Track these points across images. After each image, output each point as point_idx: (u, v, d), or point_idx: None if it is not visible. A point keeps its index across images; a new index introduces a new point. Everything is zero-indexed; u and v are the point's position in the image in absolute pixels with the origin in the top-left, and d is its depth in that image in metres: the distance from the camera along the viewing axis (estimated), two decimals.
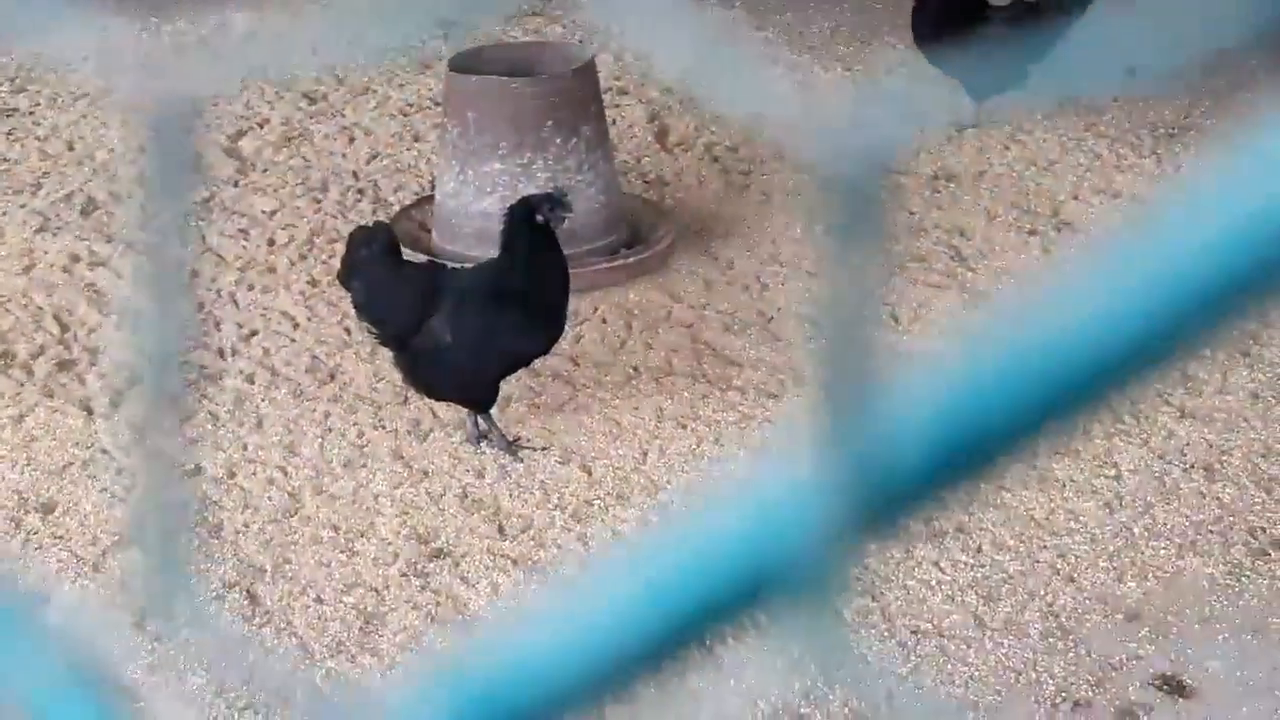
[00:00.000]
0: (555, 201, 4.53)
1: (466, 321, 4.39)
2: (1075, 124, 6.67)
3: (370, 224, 4.92)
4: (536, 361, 4.99)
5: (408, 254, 4.90)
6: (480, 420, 4.58)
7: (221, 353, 5.12)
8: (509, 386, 4.84)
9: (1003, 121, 6.90)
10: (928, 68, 7.15)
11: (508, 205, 4.68)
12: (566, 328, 5.20)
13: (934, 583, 3.96)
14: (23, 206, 6.19)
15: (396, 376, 4.65)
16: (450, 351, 4.40)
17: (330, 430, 4.66)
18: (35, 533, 4.21)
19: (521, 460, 4.49)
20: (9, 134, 6.93)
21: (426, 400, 4.68)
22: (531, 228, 4.48)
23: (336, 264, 5.68)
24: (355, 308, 4.68)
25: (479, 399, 4.54)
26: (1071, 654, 3.75)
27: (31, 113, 7.22)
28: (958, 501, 0.62)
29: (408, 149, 6.67)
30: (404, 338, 4.47)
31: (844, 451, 0.59)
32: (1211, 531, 4.16)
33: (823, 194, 0.61)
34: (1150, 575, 4.00)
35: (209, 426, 4.69)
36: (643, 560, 0.63)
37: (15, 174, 6.50)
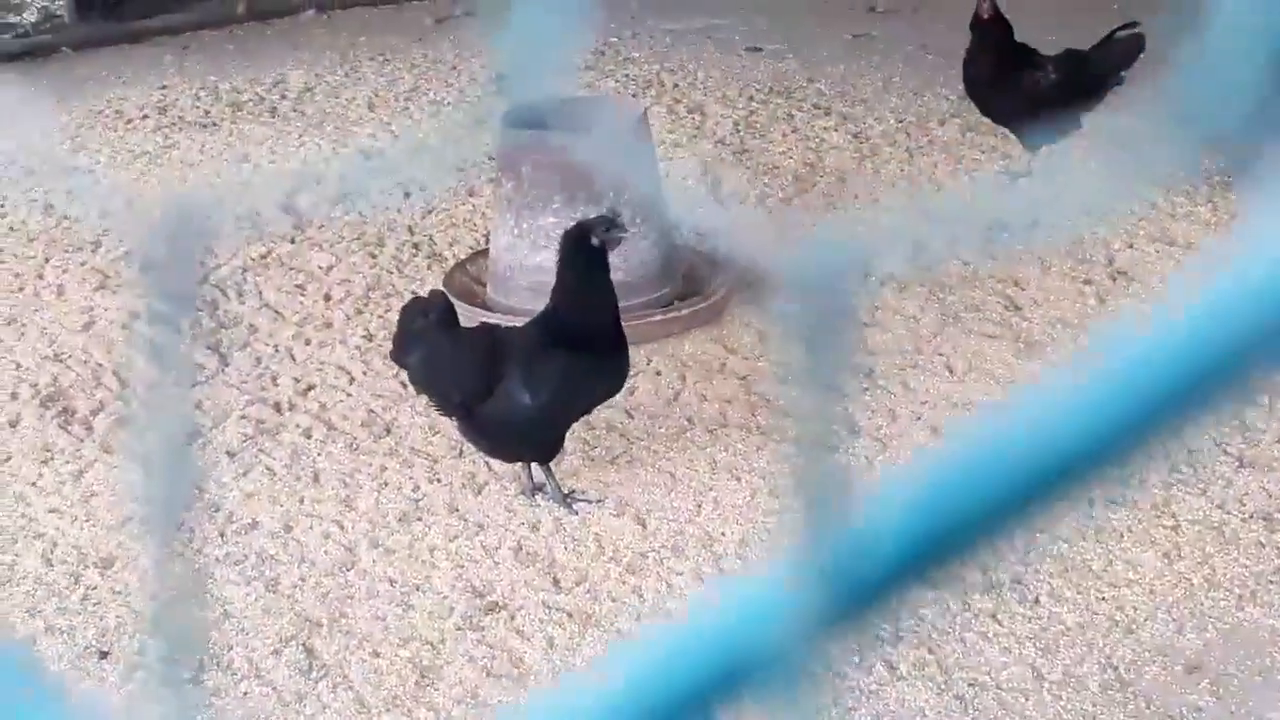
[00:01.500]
0: (609, 224, 4.51)
1: (543, 379, 4.38)
2: (1129, 172, 6.63)
3: (424, 294, 4.84)
4: (593, 414, 5.01)
5: (462, 309, 4.93)
6: (535, 473, 4.59)
7: (278, 407, 5.15)
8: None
9: (1056, 170, 6.89)
10: (979, 118, 7.16)
11: (563, 231, 4.67)
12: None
13: (991, 635, 3.93)
14: (83, 264, 6.26)
15: (452, 430, 4.66)
16: (530, 411, 4.39)
17: (386, 484, 4.68)
18: (94, 588, 4.24)
19: (576, 513, 4.49)
20: (69, 192, 7.02)
21: (483, 455, 4.69)
22: (587, 252, 4.46)
23: (393, 318, 5.72)
24: (413, 382, 4.60)
25: (551, 452, 4.55)
26: (1131, 706, 3.71)
27: (91, 171, 7.32)
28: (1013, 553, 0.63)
29: (462, 204, 6.72)
30: (470, 405, 4.44)
31: (818, 556, 0.60)
32: (1271, 582, 4.13)
33: (792, 307, 0.62)
34: (1210, 626, 3.97)
35: (265, 480, 4.72)
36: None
37: (75, 232, 6.58)
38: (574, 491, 4.59)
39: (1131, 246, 6.07)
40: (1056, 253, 6.04)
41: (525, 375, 4.37)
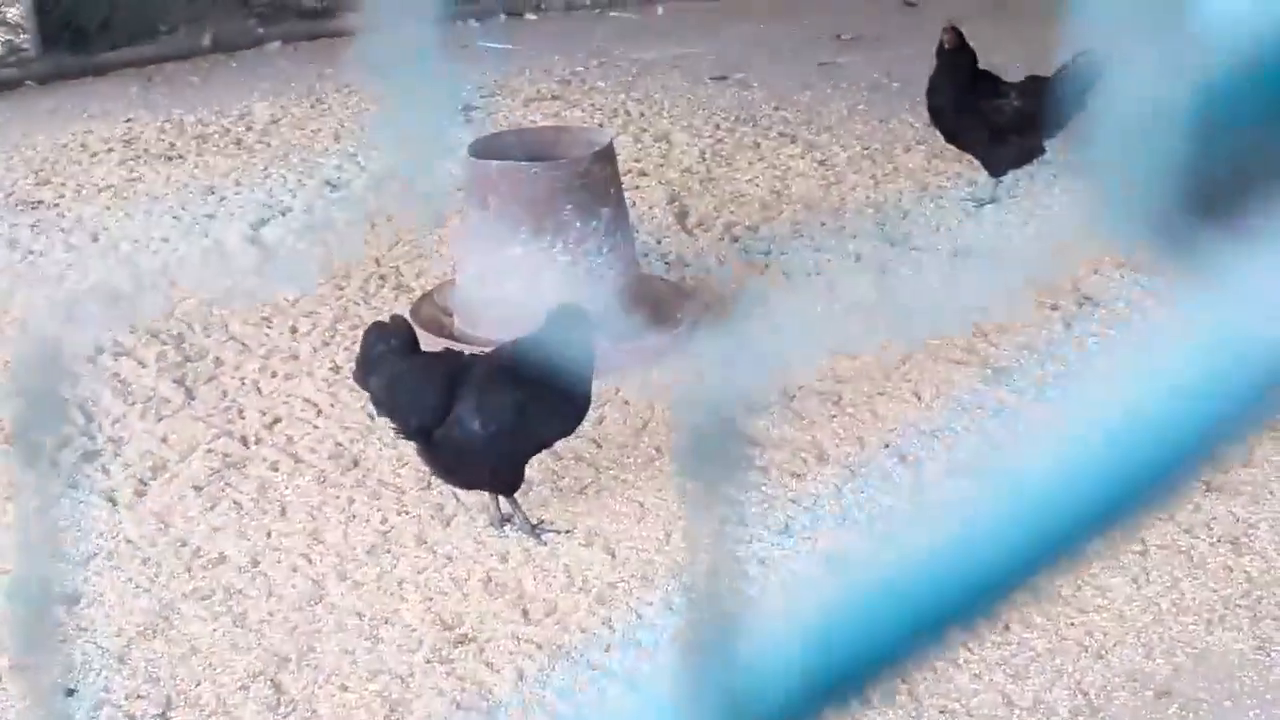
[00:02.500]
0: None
1: (495, 409, 4.39)
2: (1093, 198, 6.66)
3: (385, 319, 4.84)
4: (559, 444, 4.99)
5: (428, 340, 4.92)
6: (504, 503, 4.58)
7: (245, 441, 5.13)
8: (531, 470, 4.85)
9: (1021, 196, 6.92)
10: (944, 145, 7.19)
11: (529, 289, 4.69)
12: (589, 410, 5.21)
13: (961, 661, 3.93)
14: (47, 297, 6.23)
15: (419, 462, 4.65)
16: (481, 439, 4.38)
17: (354, 517, 4.66)
18: (60, 625, 4.21)
19: (545, 543, 4.48)
20: (34, 226, 6.99)
21: (450, 486, 4.68)
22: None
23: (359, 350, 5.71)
24: (375, 405, 4.59)
25: (509, 483, 4.54)
26: None
27: (56, 204, 7.29)
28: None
29: (429, 234, 6.71)
30: (429, 430, 4.45)
31: (710, 688, 0.59)
32: (1239, 606, 4.14)
33: (682, 444, 0.62)
34: (1179, 651, 3.97)
35: (232, 514, 4.70)
36: None
37: (40, 266, 6.55)
38: (542, 522, 4.58)
39: (1097, 272, 6.10)
40: (1022, 278, 6.05)
41: (479, 403, 4.36)
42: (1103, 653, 3.96)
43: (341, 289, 6.25)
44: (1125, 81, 0.68)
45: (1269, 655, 3.94)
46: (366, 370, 4.55)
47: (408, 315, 5.84)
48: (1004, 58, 7.18)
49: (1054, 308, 5.87)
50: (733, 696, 0.60)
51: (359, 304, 6.12)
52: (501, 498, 4.57)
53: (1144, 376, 0.63)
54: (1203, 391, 0.61)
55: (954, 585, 0.61)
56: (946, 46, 6.85)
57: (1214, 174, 0.70)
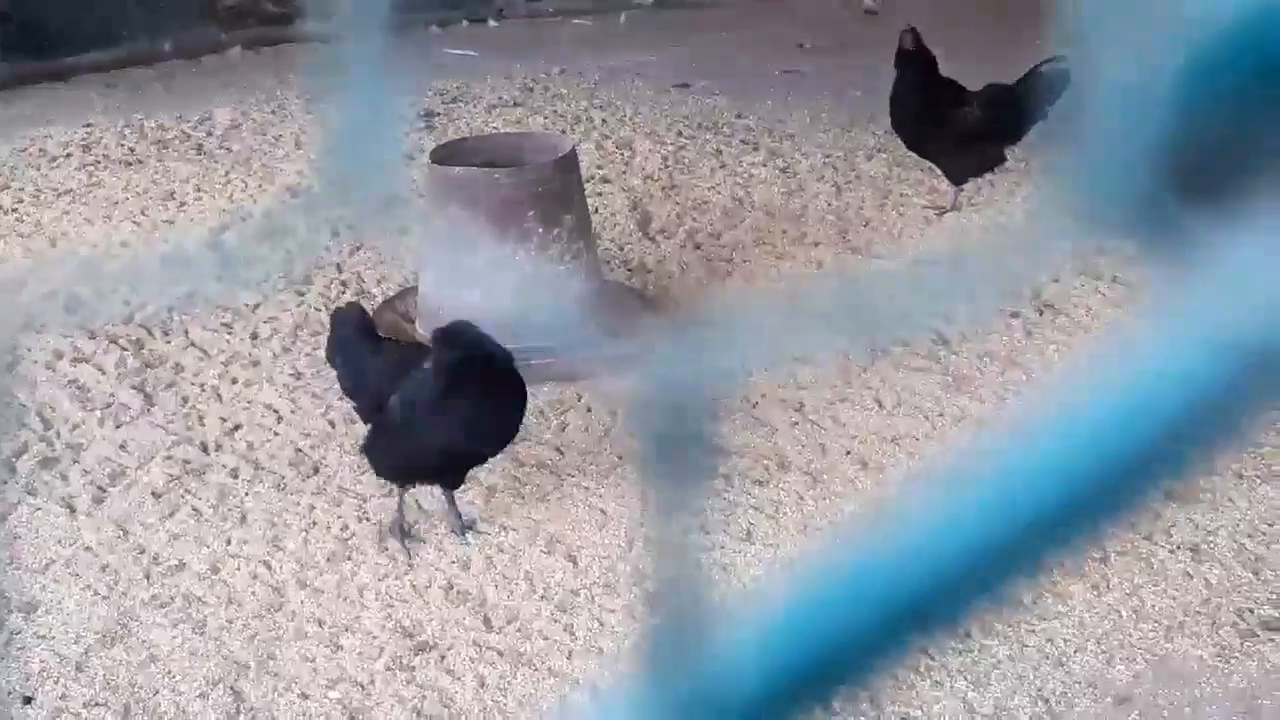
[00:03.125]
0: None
1: (415, 408, 4.36)
2: (1055, 207, 6.70)
3: (345, 304, 4.95)
4: (521, 450, 4.98)
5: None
6: (464, 511, 4.59)
7: (205, 447, 5.11)
8: (493, 476, 4.84)
9: (982, 205, 6.95)
10: (905, 153, 7.21)
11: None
12: (551, 417, 5.20)
13: (922, 668, 3.93)
14: (6, 302, 6.19)
15: None
16: (396, 435, 4.40)
17: (315, 524, 4.64)
18: (18, 633, 4.17)
19: (469, 543, 4.48)
20: None
21: (411, 492, 4.67)
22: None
23: (321, 355, 5.70)
24: (340, 386, 4.76)
25: (449, 481, 4.55)
26: None
27: (15, 209, 7.24)
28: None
29: (390, 241, 6.69)
30: (372, 415, 4.50)
31: (673, 694, 0.59)
32: (1199, 613, 4.15)
33: (644, 451, 0.62)
34: (1139, 658, 3.99)
35: (192, 521, 4.67)
36: None
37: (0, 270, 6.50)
38: (474, 523, 4.59)
39: (1057, 280, 6.12)
40: (984, 286, 6.07)
41: (403, 398, 4.36)
42: (1063, 660, 3.97)
43: (302, 295, 6.23)
44: (1104, 64, 0.67)
45: (1228, 662, 3.96)
46: (333, 350, 4.75)
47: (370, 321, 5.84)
48: (964, 66, 7.20)
49: (1015, 315, 5.89)
50: (694, 704, 0.60)
51: (320, 310, 6.09)
52: (458, 503, 4.58)
53: (1106, 382, 0.62)
54: (1186, 378, 0.61)
55: (915, 592, 0.61)
56: (906, 47, 6.87)
57: (1197, 155, 0.70)
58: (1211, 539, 4.46)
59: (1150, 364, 0.61)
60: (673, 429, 0.60)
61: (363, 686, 3.94)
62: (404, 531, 4.55)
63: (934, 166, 7.09)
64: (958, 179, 6.98)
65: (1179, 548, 4.41)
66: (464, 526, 4.57)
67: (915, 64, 6.89)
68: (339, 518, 4.66)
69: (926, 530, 0.61)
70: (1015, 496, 0.61)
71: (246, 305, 6.12)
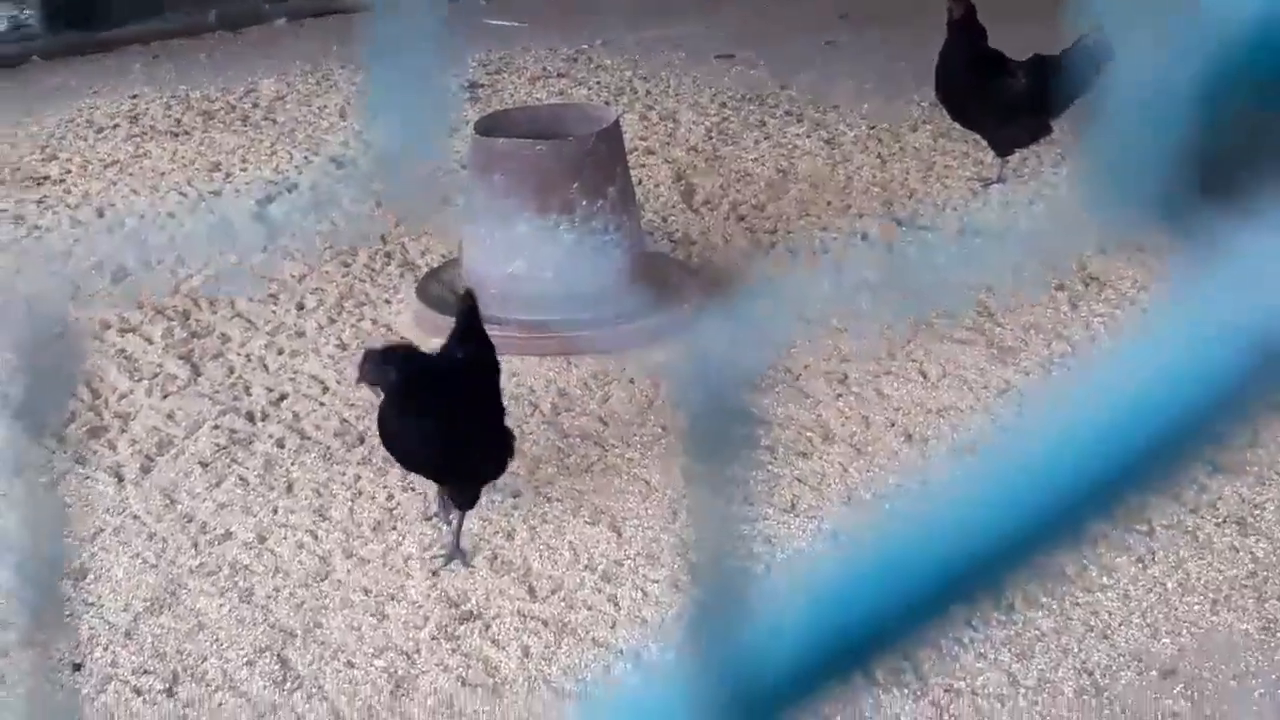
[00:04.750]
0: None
1: (388, 407, 4.28)
2: (1096, 178, 6.66)
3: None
4: (565, 421, 5.00)
5: (434, 317, 4.91)
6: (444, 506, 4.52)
7: (251, 417, 5.14)
8: (536, 447, 4.85)
9: (1028, 176, 6.91)
10: (951, 125, 7.18)
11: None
12: (595, 389, 5.20)
13: (966, 641, 3.93)
14: (53, 274, 6.23)
15: None
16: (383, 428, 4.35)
17: (360, 493, 4.67)
18: (67, 600, 4.21)
19: (453, 570, 4.30)
20: (40, 202, 6.99)
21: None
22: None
23: (366, 327, 5.72)
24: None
25: (438, 479, 4.46)
26: (1106, 712, 3.72)
27: (62, 180, 7.29)
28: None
29: (435, 212, 6.70)
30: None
31: (716, 664, 0.59)
32: (1245, 586, 4.14)
33: (687, 416, 0.62)
34: (1184, 631, 3.98)
35: (239, 491, 4.70)
36: None
37: (46, 242, 6.55)
38: (464, 554, 4.35)
39: (1103, 252, 6.09)
40: (1029, 258, 6.05)
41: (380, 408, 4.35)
42: (1108, 633, 3.97)
43: (347, 266, 6.25)
44: (1129, 60, 0.67)
45: (1274, 636, 3.95)
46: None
47: (414, 293, 5.86)
48: (1010, 38, 7.16)
49: (1060, 288, 5.87)
50: (738, 674, 0.60)
51: (365, 281, 6.12)
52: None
53: (1148, 354, 0.63)
54: (1206, 369, 0.61)
55: (958, 562, 0.61)
56: (955, 16, 6.83)
57: (1219, 152, 0.70)
58: (1258, 512, 4.44)
59: (1173, 353, 0.61)
60: (715, 401, 0.61)
61: (408, 655, 3.96)
62: (444, 508, 4.50)
63: (979, 138, 7.06)
64: (1003, 150, 6.95)
65: (1225, 521, 4.40)
66: (454, 556, 4.34)
67: (963, 34, 6.86)
68: (384, 488, 4.68)
69: (970, 499, 0.61)
70: (1058, 466, 0.61)
71: (292, 276, 6.14)
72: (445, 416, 4.21)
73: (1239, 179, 0.68)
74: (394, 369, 4.19)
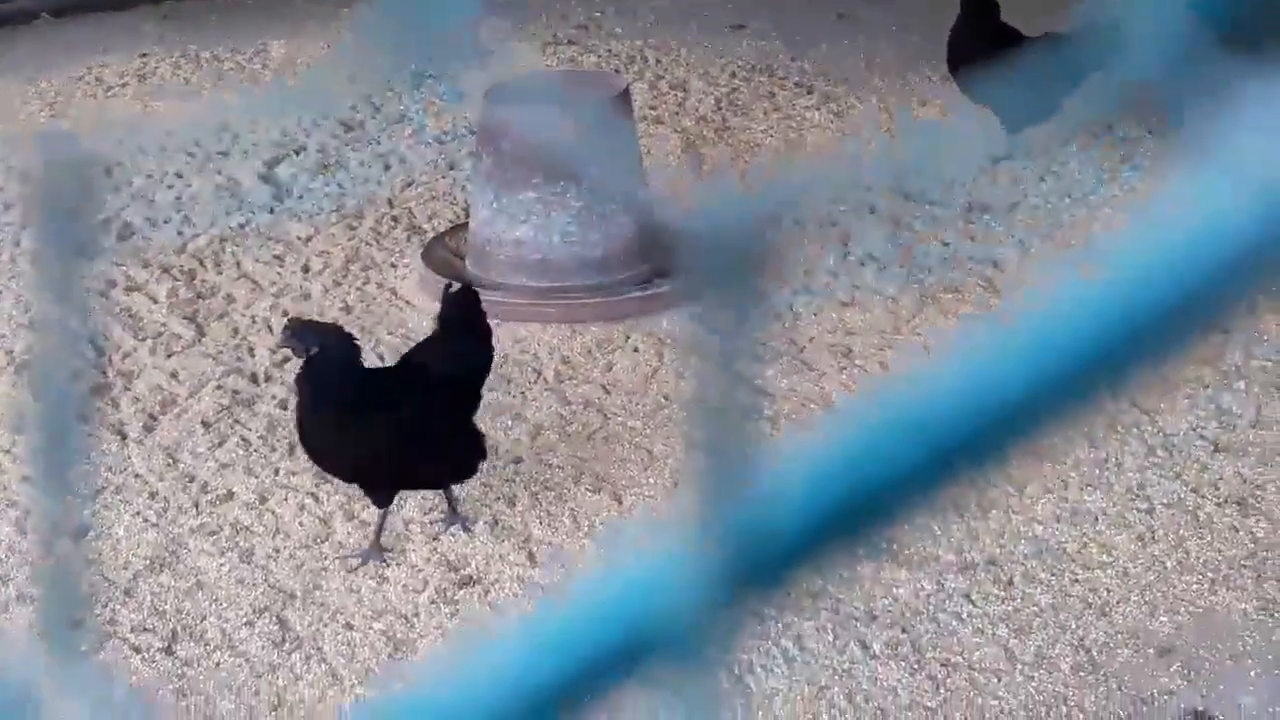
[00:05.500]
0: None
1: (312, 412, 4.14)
2: (1110, 155, 6.66)
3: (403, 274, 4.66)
4: (568, 389, 5.00)
5: (440, 283, 4.90)
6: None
7: (255, 378, 5.14)
8: (540, 414, 4.85)
9: (1037, 152, 6.89)
10: (962, 98, 7.15)
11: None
12: (599, 356, 5.20)
13: (965, 615, 3.94)
14: (59, 231, 6.22)
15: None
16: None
17: None
18: (67, 557, 4.21)
19: (454, 535, 4.28)
20: (47, 159, 6.97)
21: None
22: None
23: (371, 290, 5.71)
24: None
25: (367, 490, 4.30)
26: (1103, 688, 3.73)
27: (70, 137, 7.27)
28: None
29: (442, 177, 6.69)
30: None
31: (721, 518, 0.59)
32: (1245, 566, 4.14)
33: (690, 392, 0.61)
34: (1182, 610, 3.98)
35: (241, 452, 4.70)
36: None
37: (52, 199, 6.54)
38: (383, 551, 4.22)
39: (1112, 229, 6.07)
40: (1036, 235, 6.04)
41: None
42: (1106, 610, 3.97)
43: (354, 229, 6.24)
44: None
45: (1272, 616, 3.95)
46: None
47: (420, 257, 5.85)
48: (1022, 13, 7.14)
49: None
50: (742, 534, 0.60)
51: (371, 245, 6.11)
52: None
53: (1161, 220, 0.62)
54: (1219, 232, 0.60)
55: (952, 432, 0.61)
56: None
57: (1244, 6, 0.69)
58: (1259, 493, 4.44)
59: (1189, 213, 0.60)
60: (719, 370, 0.60)
61: (407, 618, 3.97)
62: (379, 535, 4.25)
63: (991, 112, 7.03)
64: (1014, 126, 6.92)
65: (1226, 501, 4.40)
66: (369, 557, 4.21)
67: (976, 8, 6.83)
68: None
69: (966, 375, 0.60)
70: (1066, 335, 0.60)
71: (299, 238, 6.14)
72: (372, 428, 4.06)
73: (1263, 31, 0.67)
74: (318, 356, 4.02)
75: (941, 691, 3.72)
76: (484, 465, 4.33)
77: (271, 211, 6.36)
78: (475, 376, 4.34)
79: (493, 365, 4.47)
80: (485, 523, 4.35)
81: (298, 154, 6.88)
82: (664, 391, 5.02)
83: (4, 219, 6.37)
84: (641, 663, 0.60)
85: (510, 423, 4.75)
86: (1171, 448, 4.58)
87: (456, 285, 4.54)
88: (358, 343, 4.19)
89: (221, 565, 4.18)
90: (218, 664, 3.85)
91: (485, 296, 4.65)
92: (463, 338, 4.34)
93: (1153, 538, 4.24)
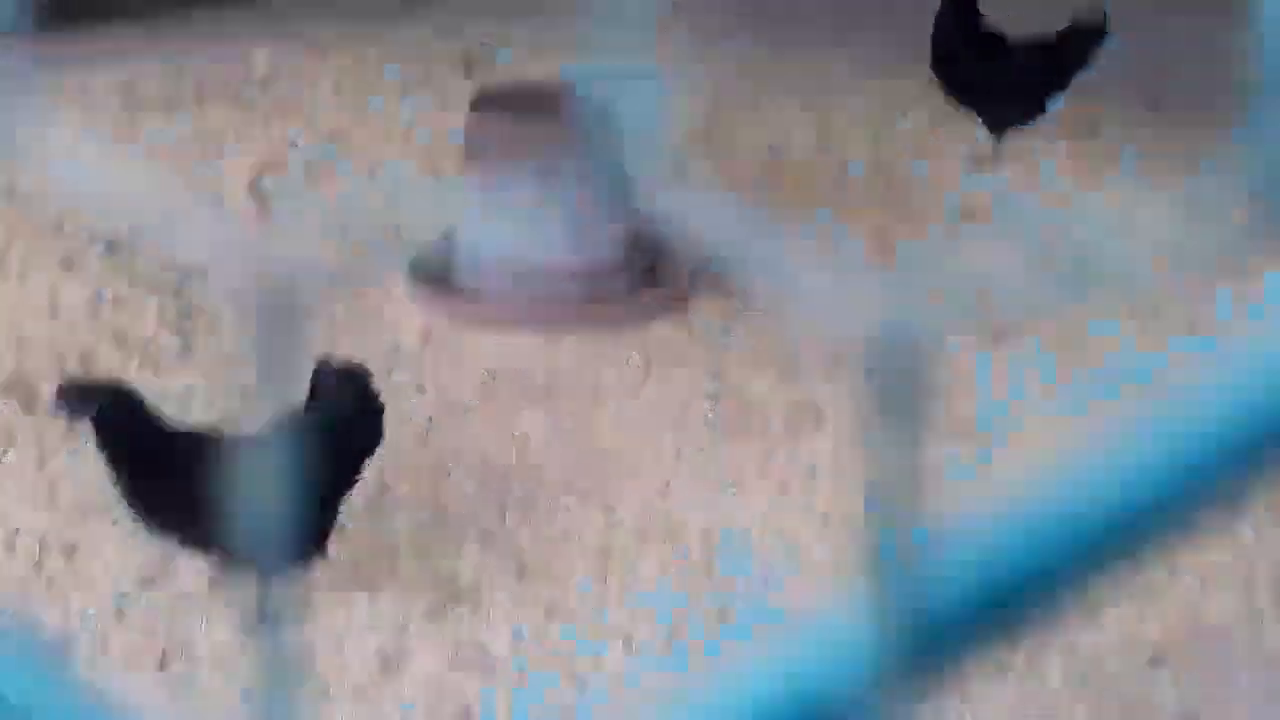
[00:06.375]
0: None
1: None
2: (1096, 159, 6.67)
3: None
4: (557, 399, 4.99)
5: (430, 293, 4.90)
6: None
7: (243, 394, 5.13)
8: (528, 425, 4.85)
9: (1021, 156, 6.90)
10: (946, 102, 7.16)
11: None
12: (588, 363, 5.20)
13: None
14: (45, 247, 6.22)
15: (418, 419, 4.65)
16: None
17: None
18: (58, 576, 4.22)
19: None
20: (32, 174, 6.96)
21: (447, 441, 4.69)
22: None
23: (360, 303, 5.71)
24: None
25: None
26: (1092, 697, 3.73)
27: (55, 152, 7.25)
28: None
29: (430, 187, 6.69)
30: None
31: (890, 593, 0.59)
32: (1235, 572, 4.15)
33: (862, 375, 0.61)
34: (1172, 616, 3.99)
35: None
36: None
37: (39, 214, 6.53)
38: (277, 615, 3.98)
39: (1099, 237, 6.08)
40: (1020, 239, 6.04)
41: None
42: (1095, 615, 3.98)
43: (339, 241, 6.23)
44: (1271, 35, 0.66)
45: (1262, 623, 3.96)
46: None
47: (408, 268, 5.84)
48: (1007, 14, 7.15)
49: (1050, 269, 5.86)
50: (914, 611, 0.60)
51: (356, 256, 6.10)
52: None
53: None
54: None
55: (1105, 526, 0.61)
56: None
57: None
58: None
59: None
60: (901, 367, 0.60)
61: (398, 635, 3.97)
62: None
63: (975, 117, 7.04)
64: (997, 128, 6.93)
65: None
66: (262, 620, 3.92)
67: (957, 8, 6.85)
68: (377, 466, 4.67)
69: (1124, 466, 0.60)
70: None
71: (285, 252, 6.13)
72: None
73: None
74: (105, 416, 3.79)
75: (928, 700, 3.72)
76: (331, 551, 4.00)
77: (258, 223, 6.35)
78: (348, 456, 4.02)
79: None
80: (474, 537, 4.35)
81: (283, 167, 6.88)
82: (653, 399, 5.02)
83: None
84: None
85: (497, 433, 4.74)
86: None
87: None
88: (138, 397, 3.92)
89: (211, 583, 4.17)
90: (209, 682, 3.85)
91: (474, 306, 4.63)
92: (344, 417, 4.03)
93: None
